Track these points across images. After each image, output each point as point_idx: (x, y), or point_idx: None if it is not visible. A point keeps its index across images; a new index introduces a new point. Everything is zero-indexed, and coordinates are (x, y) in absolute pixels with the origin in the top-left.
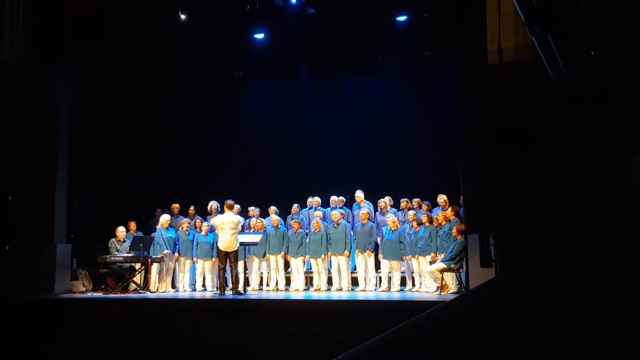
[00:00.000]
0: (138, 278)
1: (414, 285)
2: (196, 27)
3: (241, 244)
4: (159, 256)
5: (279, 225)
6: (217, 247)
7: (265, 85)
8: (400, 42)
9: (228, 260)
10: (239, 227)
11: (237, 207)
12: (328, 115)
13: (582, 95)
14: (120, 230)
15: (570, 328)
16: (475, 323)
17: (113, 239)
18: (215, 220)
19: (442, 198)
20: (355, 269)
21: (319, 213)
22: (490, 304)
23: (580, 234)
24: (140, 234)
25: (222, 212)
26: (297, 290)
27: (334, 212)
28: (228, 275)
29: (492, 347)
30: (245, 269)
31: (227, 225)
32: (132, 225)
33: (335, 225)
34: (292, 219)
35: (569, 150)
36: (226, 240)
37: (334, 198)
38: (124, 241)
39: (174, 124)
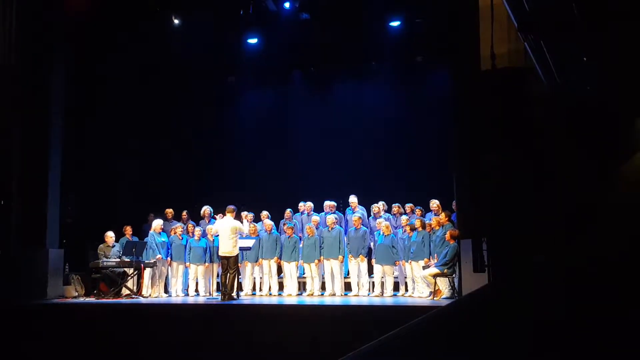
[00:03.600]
0: (131, 283)
1: (407, 290)
2: (190, 32)
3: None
4: (152, 261)
5: (272, 230)
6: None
7: (258, 90)
8: (393, 48)
9: (228, 265)
10: (239, 232)
11: (250, 215)
12: (321, 120)
13: (574, 100)
14: (109, 235)
15: (563, 332)
16: (470, 328)
17: (102, 245)
18: (214, 226)
19: (434, 203)
20: (348, 274)
21: (315, 218)
22: (484, 310)
23: (573, 239)
24: (135, 238)
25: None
26: (290, 295)
27: (329, 216)
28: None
29: (486, 351)
30: (239, 274)
31: (223, 231)
32: (128, 229)
33: (330, 229)
34: (285, 224)
35: (561, 155)
36: (225, 246)
37: (327, 203)
38: (113, 246)
39: (167, 128)
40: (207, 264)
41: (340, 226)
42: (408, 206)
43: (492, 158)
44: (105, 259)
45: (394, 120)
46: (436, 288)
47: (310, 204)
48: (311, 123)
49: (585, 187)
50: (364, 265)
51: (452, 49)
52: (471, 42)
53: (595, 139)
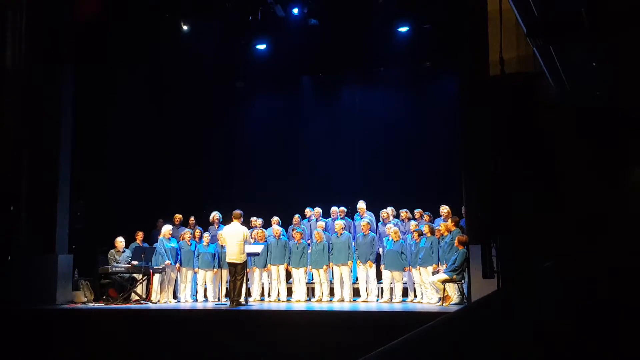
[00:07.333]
0: (140, 289)
1: (415, 296)
2: (198, 38)
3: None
4: (161, 267)
5: (281, 236)
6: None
7: (267, 96)
8: (402, 53)
9: (235, 271)
10: (246, 238)
11: (259, 220)
12: (330, 125)
13: (584, 106)
14: (119, 240)
15: (574, 341)
16: (479, 336)
17: (112, 250)
18: (220, 233)
19: (444, 209)
20: (356, 279)
21: (321, 223)
22: (493, 316)
23: (585, 245)
24: (145, 244)
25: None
26: (299, 301)
27: (337, 221)
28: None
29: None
30: (247, 279)
31: (230, 237)
32: (140, 235)
33: (339, 235)
34: (293, 230)
35: (571, 161)
36: (232, 252)
37: (334, 209)
38: (123, 251)
39: (175, 134)
40: (215, 269)
41: (349, 232)
42: (417, 212)
43: (500, 163)
44: (115, 265)
45: (402, 125)
46: (445, 294)
47: (318, 210)
48: (320, 128)
49: (595, 192)
50: (373, 271)
51: (460, 54)
52: (480, 48)
53: (606, 145)
